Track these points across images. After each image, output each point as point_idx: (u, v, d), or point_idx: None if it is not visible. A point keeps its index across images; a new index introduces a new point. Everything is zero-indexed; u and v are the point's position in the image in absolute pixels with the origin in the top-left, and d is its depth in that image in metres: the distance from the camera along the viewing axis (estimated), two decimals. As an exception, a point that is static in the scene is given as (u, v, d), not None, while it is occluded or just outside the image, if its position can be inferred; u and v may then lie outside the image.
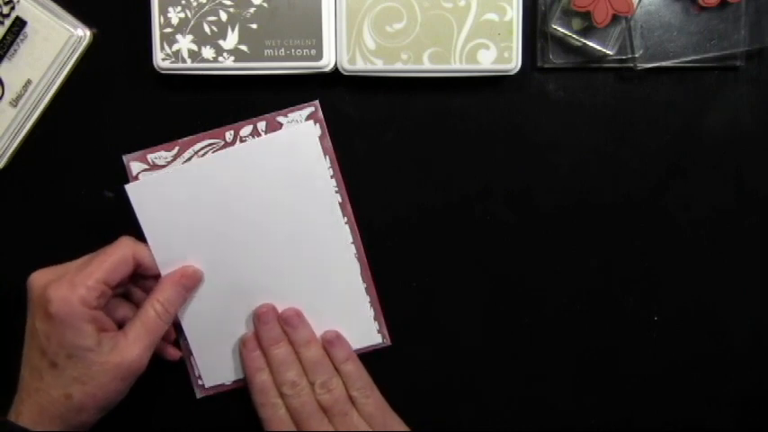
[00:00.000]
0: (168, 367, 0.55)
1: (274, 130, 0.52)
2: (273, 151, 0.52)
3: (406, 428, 0.53)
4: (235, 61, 0.50)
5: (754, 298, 0.54)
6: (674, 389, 0.54)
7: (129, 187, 0.52)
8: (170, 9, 0.49)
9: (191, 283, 0.52)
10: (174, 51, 0.50)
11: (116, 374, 0.47)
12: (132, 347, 0.48)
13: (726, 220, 0.53)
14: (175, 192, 0.52)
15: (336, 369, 0.53)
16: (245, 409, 0.54)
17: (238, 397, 0.55)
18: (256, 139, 0.52)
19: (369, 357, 0.54)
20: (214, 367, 0.55)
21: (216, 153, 0.52)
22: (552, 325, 0.54)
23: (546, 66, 0.51)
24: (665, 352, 0.54)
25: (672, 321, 0.54)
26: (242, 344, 0.53)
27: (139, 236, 0.53)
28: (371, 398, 0.53)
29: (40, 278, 0.49)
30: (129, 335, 0.49)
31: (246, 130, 0.53)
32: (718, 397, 0.55)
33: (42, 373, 0.47)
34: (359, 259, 0.54)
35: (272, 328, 0.53)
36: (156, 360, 0.53)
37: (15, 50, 0.51)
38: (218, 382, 0.55)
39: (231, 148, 0.52)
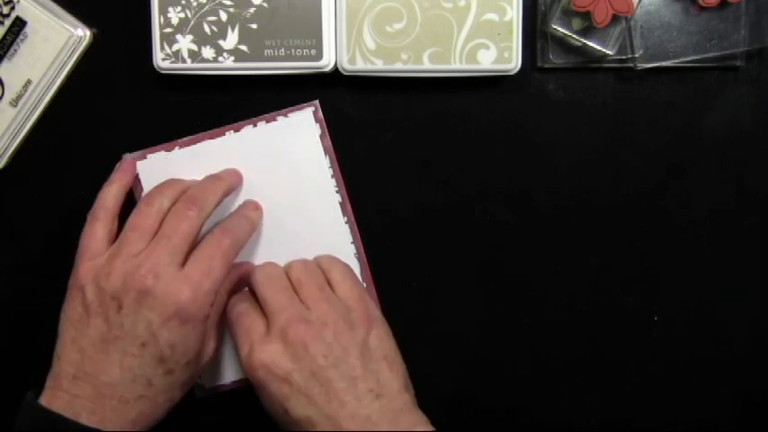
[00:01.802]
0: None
1: (274, 130, 0.53)
2: (274, 141, 0.52)
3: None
4: (235, 61, 0.50)
5: (754, 298, 0.54)
6: (674, 389, 0.54)
7: (140, 164, 0.52)
8: (170, 9, 0.49)
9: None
10: (174, 51, 0.50)
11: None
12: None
13: (726, 220, 0.53)
14: (182, 174, 0.52)
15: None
16: (246, 409, 0.54)
17: (238, 397, 0.55)
18: (259, 126, 0.52)
19: (369, 357, 0.54)
20: (214, 367, 0.55)
21: (221, 138, 0.52)
22: (552, 325, 0.54)
23: (546, 66, 0.51)
24: (665, 352, 0.54)
25: (672, 321, 0.54)
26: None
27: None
28: (348, 282, 0.49)
29: (156, 282, 0.44)
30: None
31: (246, 130, 0.53)
32: (718, 397, 0.55)
33: (153, 380, 0.45)
34: (359, 259, 0.54)
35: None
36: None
37: (15, 50, 0.51)
38: (219, 383, 0.55)
39: (236, 134, 0.52)
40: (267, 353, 0.45)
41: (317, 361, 0.44)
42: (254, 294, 0.49)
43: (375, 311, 0.49)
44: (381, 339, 0.47)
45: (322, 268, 0.49)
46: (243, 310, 0.48)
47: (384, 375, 0.46)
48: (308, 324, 0.45)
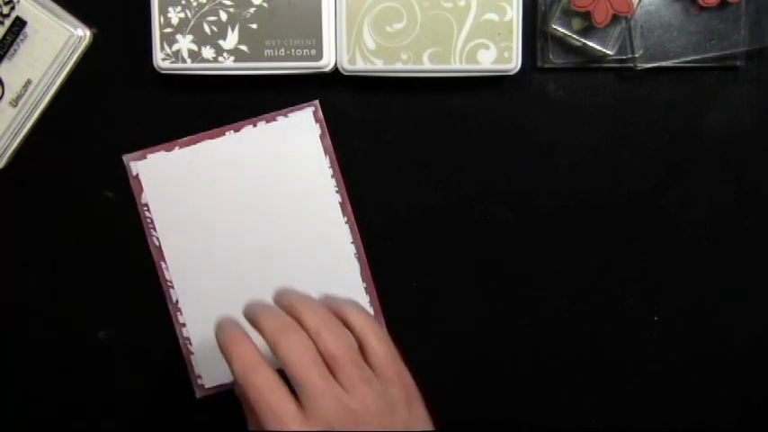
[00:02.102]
0: (168, 367, 0.55)
1: (274, 130, 0.53)
2: (274, 140, 0.52)
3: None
4: (235, 61, 0.50)
5: (754, 298, 0.54)
6: (674, 389, 0.54)
7: (140, 163, 0.52)
8: (170, 9, 0.49)
9: None
10: (174, 51, 0.50)
11: None
12: None
13: (726, 220, 0.53)
14: (182, 174, 0.52)
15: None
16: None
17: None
18: (259, 126, 0.52)
19: (369, 357, 0.54)
20: (214, 367, 0.55)
21: (221, 138, 0.53)
22: (552, 325, 0.54)
23: (546, 66, 0.51)
24: (665, 352, 0.54)
25: (672, 321, 0.54)
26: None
27: (139, 234, 0.53)
28: (385, 347, 0.44)
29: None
30: None
31: (246, 130, 0.53)
32: (718, 397, 0.55)
33: None
34: (358, 259, 0.54)
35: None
36: (156, 359, 0.53)
37: (15, 50, 0.51)
38: (219, 383, 0.55)
39: (236, 133, 0.52)
40: None
41: None
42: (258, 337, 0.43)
43: (411, 381, 0.45)
44: (419, 418, 0.44)
45: (355, 334, 0.44)
46: (264, 382, 0.41)
47: None
48: (353, 415, 0.41)
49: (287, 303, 0.44)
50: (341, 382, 0.42)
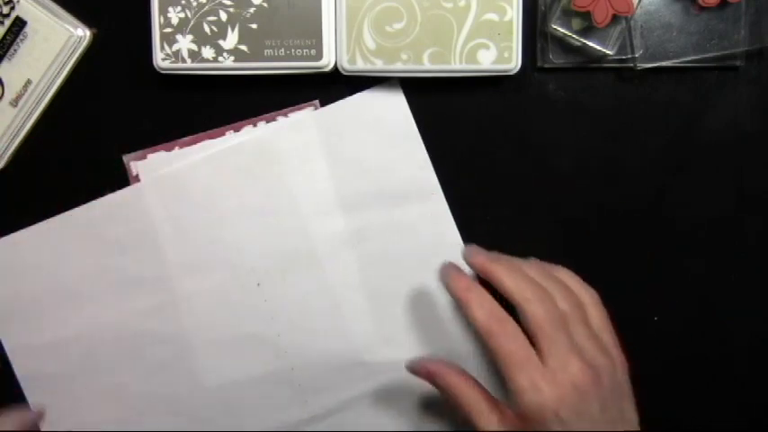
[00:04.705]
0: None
1: (274, 130, 0.53)
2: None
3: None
4: (235, 61, 0.50)
5: (754, 298, 0.54)
6: (674, 389, 0.54)
7: (140, 163, 0.52)
8: (170, 9, 0.49)
9: None
10: (174, 51, 0.50)
11: None
12: None
13: (726, 219, 0.53)
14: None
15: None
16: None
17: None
18: (259, 126, 0.52)
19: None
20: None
21: (221, 138, 0.53)
22: (552, 325, 0.54)
23: (546, 66, 0.51)
24: (665, 352, 0.54)
25: (672, 321, 0.54)
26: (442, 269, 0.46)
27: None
28: (598, 309, 0.46)
29: None
30: None
31: (246, 130, 0.53)
32: (718, 397, 0.55)
33: None
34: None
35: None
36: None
37: (15, 50, 0.51)
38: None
39: (236, 134, 0.52)
40: (553, 394, 0.41)
41: (593, 413, 0.42)
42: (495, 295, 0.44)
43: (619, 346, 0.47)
44: (627, 379, 0.46)
45: (577, 296, 0.46)
46: (510, 332, 0.43)
47: (631, 414, 0.45)
48: (593, 372, 0.42)
49: (511, 266, 0.45)
50: (573, 336, 0.43)
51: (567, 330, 0.43)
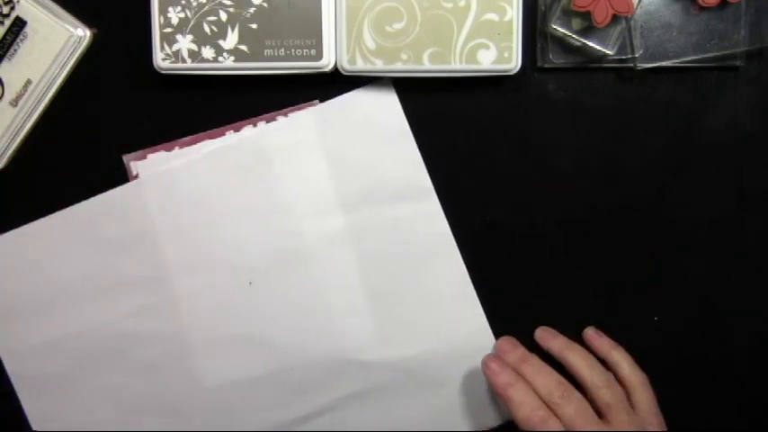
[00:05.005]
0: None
1: (274, 130, 0.53)
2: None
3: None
4: (235, 61, 0.50)
5: (754, 298, 0.54)
6: (674, 389, 0.54)
7: (140, 163, 0.52)
8: (170, 9, 0.49)
9: None
10: (174, 51, 0.50)
11: None
12: None
13: (726, 219, 0.53)
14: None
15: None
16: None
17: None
18: (259, 126, 0.52)
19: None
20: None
21: (221, 138, 0.52)
22: (552, 325, 0.54)
23: (546, 66, 0.51)
24: (665, 352, 0.54)
25: (672, 321, 0.54)
26: (485, 365, 0.51)
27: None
28: (646, 392, 0.50)
29: None
30: None
31: (246, 130, 0.53)
32: (718, 397, 0.55)
33: None
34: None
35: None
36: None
37: (15, 50, 0.51)
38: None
39: (236, 134, 0.52)
40: None
41: None
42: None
43: (664, 424, 0.50)
44: None
45: (625, 384, 0.50)
46: (547, 426, 0.47)
47: None
48: None
49: (564, 356, 0.51)
50: (613, 425, 0.48)
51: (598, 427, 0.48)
